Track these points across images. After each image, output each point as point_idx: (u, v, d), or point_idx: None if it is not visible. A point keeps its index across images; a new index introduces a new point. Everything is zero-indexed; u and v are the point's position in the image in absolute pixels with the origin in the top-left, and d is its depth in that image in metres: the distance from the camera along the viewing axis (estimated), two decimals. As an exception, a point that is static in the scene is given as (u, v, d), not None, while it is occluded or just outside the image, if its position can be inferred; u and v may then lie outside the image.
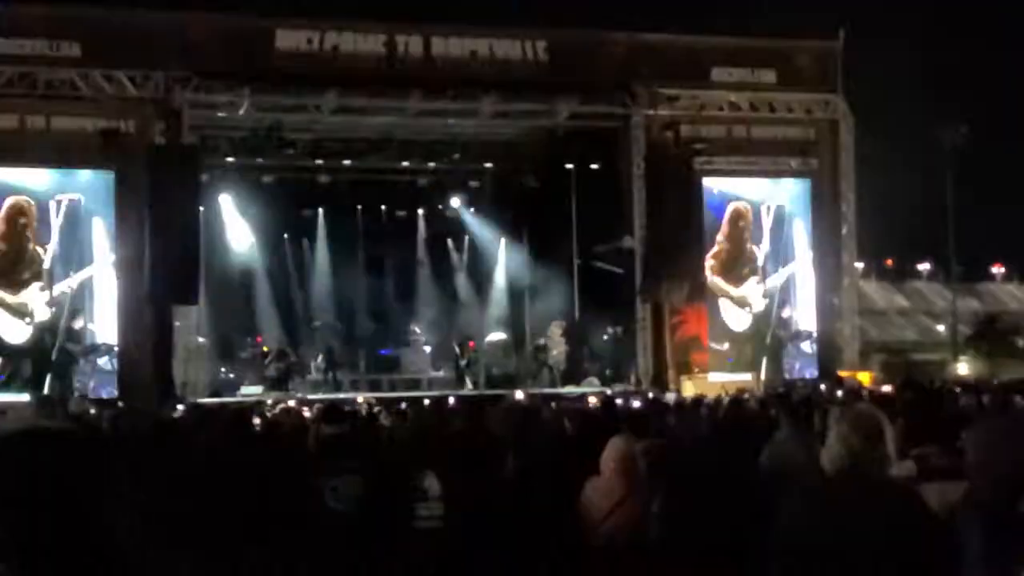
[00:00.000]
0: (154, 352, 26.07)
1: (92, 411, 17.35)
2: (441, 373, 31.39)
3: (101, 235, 26.25)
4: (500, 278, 35.61)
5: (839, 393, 20.14)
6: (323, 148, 30.87)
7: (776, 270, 30.27)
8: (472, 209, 34.91)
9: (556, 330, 32.00)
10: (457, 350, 32.12)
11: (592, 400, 16.67)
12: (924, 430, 5.76)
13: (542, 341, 31.88)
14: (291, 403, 20.58)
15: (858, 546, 4.51)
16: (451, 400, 19.84)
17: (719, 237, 30.03)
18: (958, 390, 16.18)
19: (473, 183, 33.69)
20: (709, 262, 29.80)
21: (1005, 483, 4.71)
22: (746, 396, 17.95)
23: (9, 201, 25.66)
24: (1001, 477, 4.73)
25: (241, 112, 28.12)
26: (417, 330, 32.50)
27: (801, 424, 9.44)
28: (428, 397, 23.36)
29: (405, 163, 31.98)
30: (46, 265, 25.72)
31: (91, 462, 2.62)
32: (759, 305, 30.11)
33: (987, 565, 4.53)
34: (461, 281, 35.49)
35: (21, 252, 25.75)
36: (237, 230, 32.79)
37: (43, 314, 25.72)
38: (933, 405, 7.39)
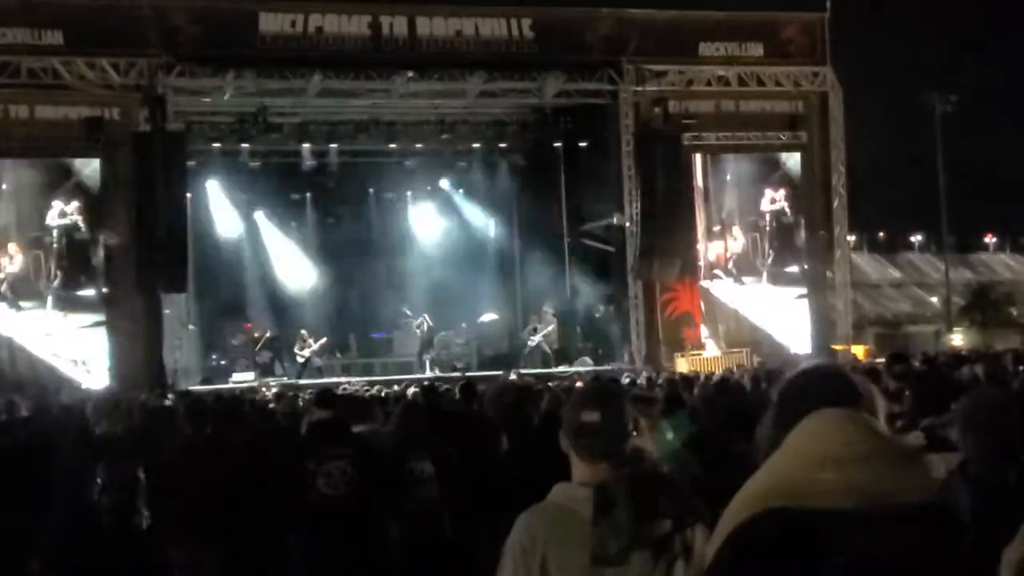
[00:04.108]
0: (144, 340, 25.94)
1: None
2: (433, 355, 31.19)
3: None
4: (491, 258, 35.48)
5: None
6: (309, 131, 30.71)
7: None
8: (461, 189, 34.79)
9: (548, 309, 31.91)
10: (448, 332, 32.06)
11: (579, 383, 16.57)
12: (936, 401, 5.68)
13: (533, 321, 31.77)
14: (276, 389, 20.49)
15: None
16: (444, 382, 19.70)
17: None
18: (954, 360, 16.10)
19: (461, 163, 33.51)
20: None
21: (994, 455, 4.69)
22: (736, 373, 17.86)
23: None
24: (990, 448, 4.71)
25: (226, 97, 27.99)
26: (408, 312, 32.33)
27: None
28: (421, 380, 23.25)
29: (392, 145, 31.79)
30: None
31: None
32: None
33: (976, 536, 4.47)
34: (451, 262, 35.30)
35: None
36: (224, 216, 32.63)
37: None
38: (941, 375, 7.32)
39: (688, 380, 14.75)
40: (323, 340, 30.35)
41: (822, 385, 2.80)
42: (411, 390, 16.43)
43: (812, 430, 2.46)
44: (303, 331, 30.33)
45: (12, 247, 25.96)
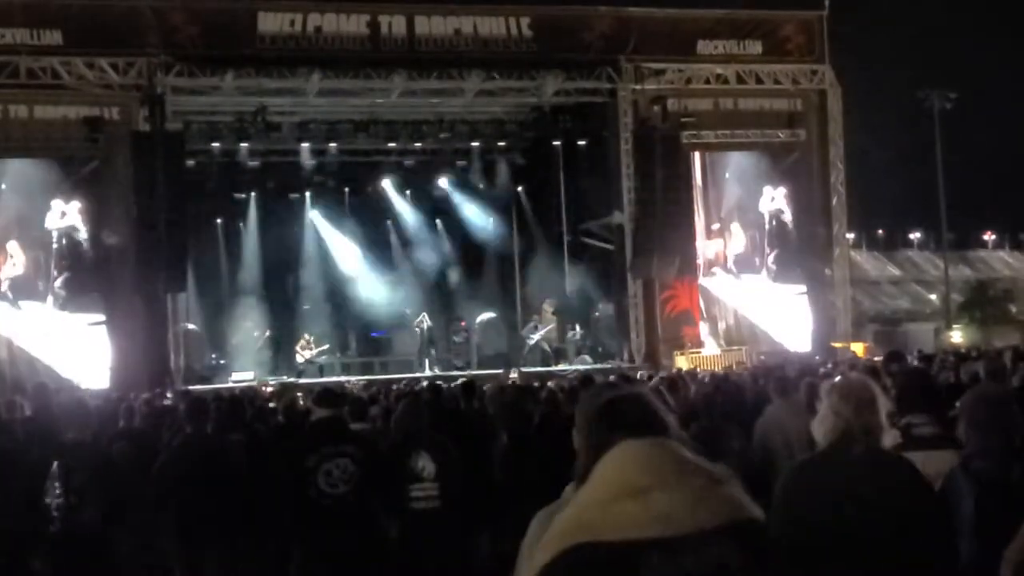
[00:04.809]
0: (144, 340, 25.93)
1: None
2: (433, 354, 31.19)
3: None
4: (490, 257, 35.48)
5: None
6: (308, 131, 30.72)
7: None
8: (460, 188, 34.78)
9: (547, 308, 31.91)
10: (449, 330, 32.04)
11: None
12: (914, 399, 5.70)
13: (533, 319, 31.78)
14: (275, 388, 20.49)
15: (851, 517, 4.45)
16: (443, 381, 19.72)
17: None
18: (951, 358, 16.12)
19: (460, 162, 33.55)
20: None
21: (996, 452, 4.70)
22: (735, 371, 17.90)
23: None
24: (992, 446, 4.72)
25: (225, 97, 27.96)
26: (408, 311, 32.34)
27: (792, 397, 9.40)
28: (421, 378, 23.26)
29: (392, 144, 31.81)
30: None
31: None
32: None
33: (978, 533, 4.50)
34: (451, 261, 35.34)
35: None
36: (224, 215, 32.62)
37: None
38: (922, 374, 7.32)
39: (684, 378, 14.74)
40: (325, 347, 30.45)
41: (626, 413, 2.88)
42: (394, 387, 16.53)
43: (615, 461, 2.48)
44: (305, 334, 30.42)
45: (12, 247, 25.96)
